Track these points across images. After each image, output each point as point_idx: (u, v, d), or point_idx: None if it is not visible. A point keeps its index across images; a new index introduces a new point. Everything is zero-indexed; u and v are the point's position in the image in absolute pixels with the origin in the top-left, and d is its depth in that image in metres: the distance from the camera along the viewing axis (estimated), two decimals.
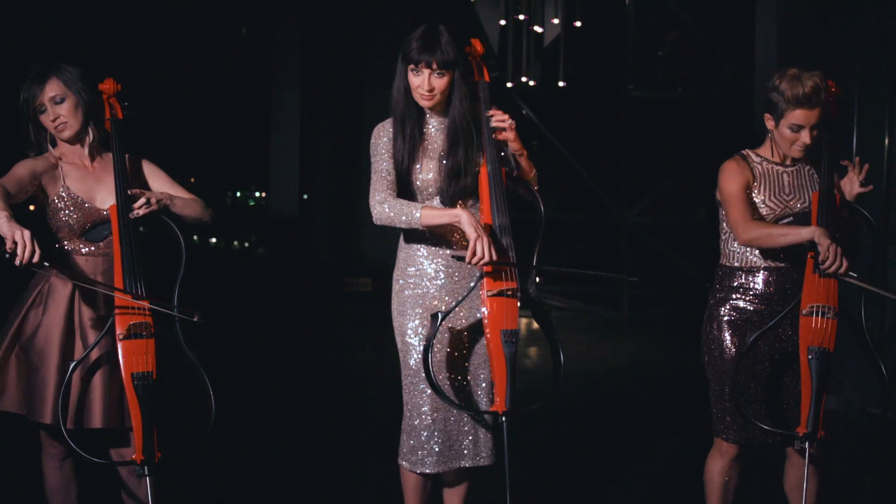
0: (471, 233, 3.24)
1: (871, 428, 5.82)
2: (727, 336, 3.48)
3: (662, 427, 5.67)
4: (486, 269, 3.27)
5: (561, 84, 11.19)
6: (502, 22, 11.26)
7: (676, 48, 10.91)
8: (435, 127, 3.46)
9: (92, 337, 3.30)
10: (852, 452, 5.36)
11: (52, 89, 3.33)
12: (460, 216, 3.28)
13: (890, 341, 6.11)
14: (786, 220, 3.40)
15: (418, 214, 3.31)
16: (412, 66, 3.35)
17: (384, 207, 3.36)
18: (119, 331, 3.21)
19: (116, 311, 3.23)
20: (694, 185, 10.75)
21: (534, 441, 5.12)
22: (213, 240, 11.24)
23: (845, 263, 3.22)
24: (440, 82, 3.36)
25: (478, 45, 3.51)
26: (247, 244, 11.71)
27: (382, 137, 3.45)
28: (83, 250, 3.35)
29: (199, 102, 9.83)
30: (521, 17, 11.17)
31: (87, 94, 3.38)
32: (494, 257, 3.24)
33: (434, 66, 3.33)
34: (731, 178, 3.44)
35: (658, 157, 10.79)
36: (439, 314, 3.31)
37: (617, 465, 4.96)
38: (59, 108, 3.34)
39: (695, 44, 10.70)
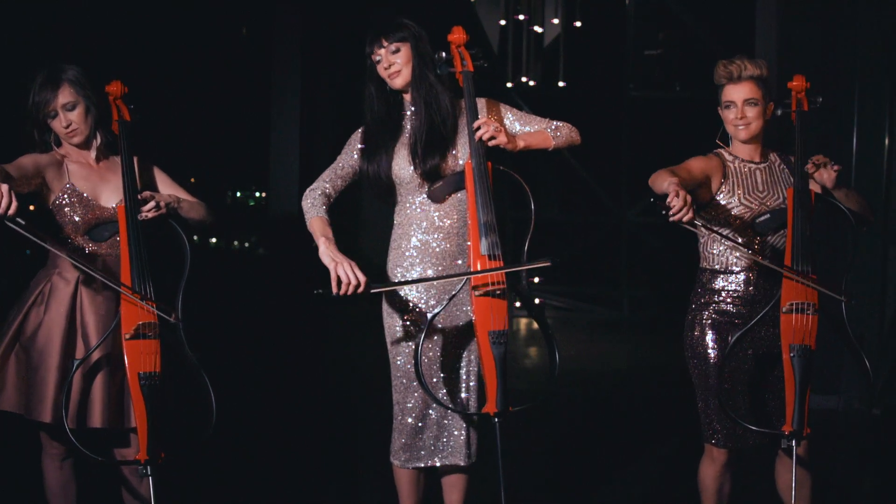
0: (328, 263, 3.19)
1: (871, 428, 5.82)
2: (710, 340, 3.47)
3: (661, 427, 5.67)
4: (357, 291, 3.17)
5: (561, 84, 11.19)
6: (502, 22, 11.25)
7: (670, 47, 10.89)
8: (410, 121, 3.46)
9: (94, 337, 3.30)
10: (852, 452, 5.37)
11: (65, 96, 3.34)
12: (319, 247, 3.24)
13: (890, 341, 6.12)
14: (763, 217, 3.41)
15: (307, 220, 3.35)
16: (372, 55, 3.41)
17: (307, 198, 3.40)
18: (125, 331, 3.21)
19: (123, 311, 3.24)
20: None
21: (532, 441, 5.12)
22: (213, 240, 11.23)
23: (691, 213, 3.11)
24: (398, 56, 3.38)
25: (460, 33, 3.44)
26: (247, 244, 11.70)
27: (359, 134, 3.48)
28: (85, 250, 3.36)
29: (199, 102, 9.82)
30: (521, 17, 11.16)
31: (96, 99, 3.40)
32: (363, 279, 3.16)
33: (385, 43, 3.38)
34: (693, 158, 3.50)
35: (658, 156, 10.76)
36: (428, 314, 3.29)
37: (615, 466, 4.96)
38: (70, 114, 3.35)
39: (689, 42, 10.69)
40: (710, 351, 3.46)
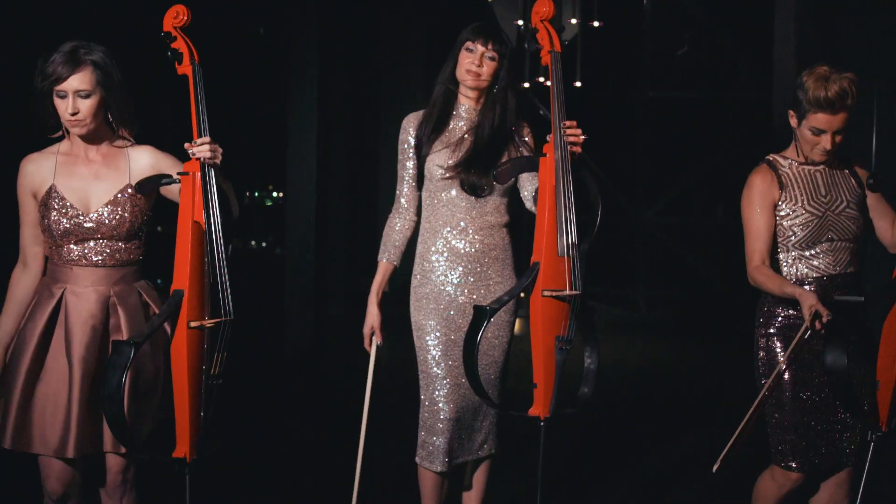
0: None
1: None
2: (780, 352, 3.26)
3: (678, 427, 5.64)
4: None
5: (578, 84, 11.17)
6: (519, 22, 11.24)
7: (696, 47, 10.86)
8: (463, 120, 3.48)
9: (77, 345, 3.01)
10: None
11: (82, 81, 2.98)
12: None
13: None
14: (843, 297, 3.17)
15: (380, 253, 3.51)
16: (469, 42, 3.43)
17: (389, 222, 3.52)
18: (191, 318, 2.87)
19: (188, 295, 2.88)
20: (712, 184, 10.72)
21: (546, 439, 5.10)
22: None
23: (825, 316, 3.02)
24: (488, 63, 3.42)
25: (548, 5, 3.28)
26: (264, 244, 11.73)
27: (408, 129, 3.50)
28: (73, 255, 3.07)
29: (216, 102, 9.84)
30: None
31: (115, 89, 3.05)
32: (375, 341, 3.50)
33: (489, 46, 3.41)
34: (751, 202, 3.27)
35: (675, 156, 10.76)
36: (488, 309, 3.13)
37: (631, 465, 4.95)
38: (80, 102, 2.98)
39: (707, 42, 10.66)
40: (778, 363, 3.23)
